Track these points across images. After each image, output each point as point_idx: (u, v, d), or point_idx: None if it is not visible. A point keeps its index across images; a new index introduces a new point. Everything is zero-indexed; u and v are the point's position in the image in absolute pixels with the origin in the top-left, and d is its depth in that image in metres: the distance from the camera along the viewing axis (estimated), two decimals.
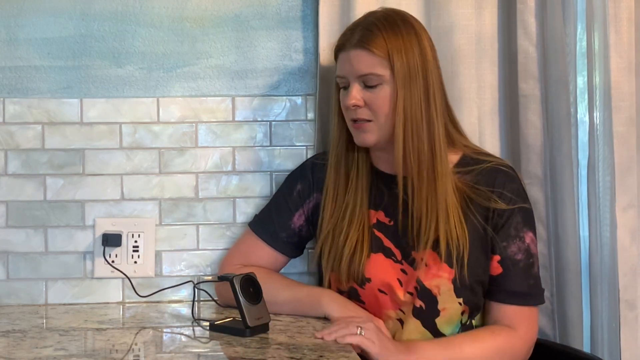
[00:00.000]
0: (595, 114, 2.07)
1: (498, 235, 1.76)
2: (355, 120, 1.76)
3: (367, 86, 1.74)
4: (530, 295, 1.77)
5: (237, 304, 1.67)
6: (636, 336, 2.03)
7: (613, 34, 2.03)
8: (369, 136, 1.76)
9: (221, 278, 1.74)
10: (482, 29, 2.06)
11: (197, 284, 1.94)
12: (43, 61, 2.03)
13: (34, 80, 2.03)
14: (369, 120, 1.75)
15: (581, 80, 2.11)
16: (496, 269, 1.77)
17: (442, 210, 1.73)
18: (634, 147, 2.05)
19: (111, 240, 2.00)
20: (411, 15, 1.80)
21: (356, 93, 1.74)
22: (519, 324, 1.75)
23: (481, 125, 2.06)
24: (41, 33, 2.02)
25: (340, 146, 1.84)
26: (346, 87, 1.77)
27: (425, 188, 1.74)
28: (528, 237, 1.77)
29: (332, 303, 1.77)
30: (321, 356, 1.50)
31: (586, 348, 2.04)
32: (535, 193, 2.01)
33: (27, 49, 2.02)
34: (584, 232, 2.09)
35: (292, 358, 1.49)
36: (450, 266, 1.73)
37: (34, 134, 2.02)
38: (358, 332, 1.62)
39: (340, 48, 1.79)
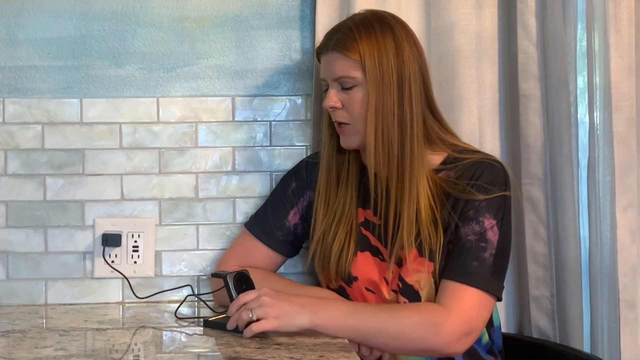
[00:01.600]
0: (595, 114, 2.07)
1: (459, 219, 1.72)
2: (338, 124, 1.78)
3: (344, 88, 1.76)
4: (467, 274, 1.67)
5: (230, 301, 1.68)
6: (636, 336, 2.03)
7: (613, 34, 2.03)
8: (351, 139, 1.78)
9: (214, 275, 1.77)
10: (482, 29, 2.06)
11: (196, 294, 1.95)
12: (43, 61, 2.03)
13: (34, 80, 2.03)
14: (348, 123, 1.77)
15: (581, 80, 2.11)
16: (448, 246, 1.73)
17: (412, 211, 1.72)
18: (634, 147, 2.05)
19: (111, 240, 2.00)
20: (394, 18, 1.80)
21: (333, 95, 1.77)
22: (450, 301, 1.66)
23: (481, 125, 2.06)
24: (41, 33, 2.02)
25: (330, 147, 1.85)
26: (327, 90, 1.79)
27: (394, 189, 1.75)
28: (488, 222, 1.70)
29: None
30: (321, 356, 1.50)
31: (586, 348, 2.04)
32: (535, 193, 2.01)
33: (27, 49, 2.02)
34: (584, 232, 2.09)
35: (292, 358, 1.49)
36: (430, 260, 1.72)
37: (33, 134, 2.02)
38: (249, 317, 1.60)
39: (319, 52, 1.82)
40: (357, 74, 1.74)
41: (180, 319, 1.84)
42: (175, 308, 1.90)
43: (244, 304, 1.63)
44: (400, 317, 1.65)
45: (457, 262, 1.70)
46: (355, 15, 1.82)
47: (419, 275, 1.73)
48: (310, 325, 1.61)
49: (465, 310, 1.66)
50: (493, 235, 1.71)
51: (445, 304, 1.67)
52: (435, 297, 1.73)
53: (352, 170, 1.84)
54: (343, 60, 1.74)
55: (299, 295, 1.70)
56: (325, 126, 1.85)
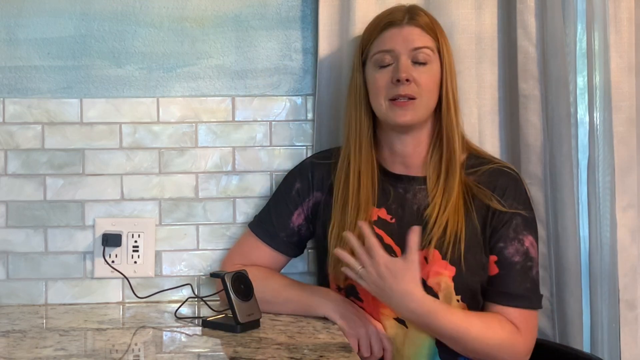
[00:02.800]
0: (595, 114, 2.07)
1: (496, 236, 1.77)
2: (394, 99, 1.76)
3: (415, 63, 1.78)
4: (525, 297, 1.76)
5: (228, 301, 1.69)
6: (636, 336, 2.03)
7: (613, 34, 2.03)
8: (412, 114, 1.77)
9: (213, 275, 1.78)
10: (482, 29, 2.06)
11: (197, 295, 1.95)
12: (43, 61, 2.03)
13: (34, 80, 2.03)
14: (413, 98, 1.76)
15: (581, 80, 2.11)
16: (493, 269, 1.77)
17: (453, 207, 1.75)
18: (634, 147, 2.05)
19: (111, 240, 2.00)
20: None
21: (409, 66, 1.77)
22: (519, 323, 1.74)
23: (481, 125, 2.06)
24: (41, 33, 2.02)
25: (362, 133, 1.82)
26: (385, 66, 1.78)
27: (442, 183, 1.78)
28: (527, 240, 1.77)
29: (330, 304, 1.77)
30: (321, 356, 1.50)
31: (586, 348, 2.04)
32: (535, 193, 2.01)
33: (27, 49, 2.02)
34: (584, 232, 2.09)
35: (292, 358, 1.49)
36: (452, 264, 1.73)
37: (34, 134, 2.02)
38: (355, 267, 1.66)
39: (389, 24, 1.81)
40: (435, 50, 1.79)
41: (180, 318, 1.84)
42: (176, 308, 1.90)
43: (359, 254, 1.66)
44: (486, 336, 1.70)
45: (512, 288, 1.76)
46: (411, 4, 1.86)
47: (440, 277, 1.74)
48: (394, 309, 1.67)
49: (531, 331, 1.77)
50: (534, 252, 1.79)
51: (516, 326, 1.74)
52: (451, 299, 1.74)
53: (367, 169, 1.83)
54: (423, 35, 1.79)
55: (407, 290, 1.68)
56: (361, 113, 1.83)
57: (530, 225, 1.79)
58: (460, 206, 1.76)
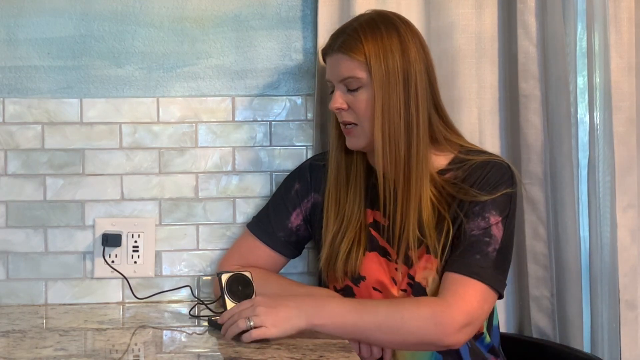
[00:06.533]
0: (595, 114, 2.07)
1: (465, 216, 1.72)
2: (344, 125, 1.78)
3: (349, 90, 1.75)
4: (471, 266, 1.67)
5: (222, 300, 1.68)
6: (636, 336, 2.04)
7: (613, 34, 2.03)
8: (356, 140, 1.78)
9: (219, 275, 1.76)
10: (482, 29, 2.06)
11: (199, 302, 1.95)
12: (43, 61, 2.03)
13: (34, 80, 2.03)
14: (354, 124, 1.76)
15: (581, 80, 2.11)
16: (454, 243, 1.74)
17: (416, 212, 1.73)
18: (634, 147, 2.05)
19: (111, 240, 2.00)
20: (400, 18, 1.79)
21: (338, 97, 1.76)
22: (451, 292, 1.65)
23: (481, 125, 2.06)
24: (41, 33, 2.02)
25: (338, 149, 1.85)
26: (333, 92, 1.79)
27: (401, 190, 1.75)
28: (494, 219, 1.71)
29: None
30: (321, 356, 1.50)
31: (586, 348, 2.04)
32: (535, 193, 2.01)
33: (27, 49, 2.02)
34: (584, 232, 2.09)
35: (292, 358, 1.49)
36: (436, 257, 1.73)
37: (33, 134, 2.02)
38: (247, 326, 1.56)
39: (324, 53, 1.82)
40: (363, 74, 1.73)
41: (180, 319, 1.84)
42: (176, 309, 1.89)
43: (239, 312, 1.60)
44: (399, 310, 1.64)
45: (460, 255, 1.70)
46: (360, 16, 1.81)
47: (427, 272, 1.74)
48: (308, 327, 1.60)
49: (466, 301, 1.65)
50: (498, 232, 1.71)
51: (446, 295, 1.66)
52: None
53: (359, 172, 1.84)
54: (348, 62, 1.74)
55: (295, 297, 1.69)
56: (332, 128, 1.85)
57: (502, 206, 1.72)
58: (430, 209, 1.73)
